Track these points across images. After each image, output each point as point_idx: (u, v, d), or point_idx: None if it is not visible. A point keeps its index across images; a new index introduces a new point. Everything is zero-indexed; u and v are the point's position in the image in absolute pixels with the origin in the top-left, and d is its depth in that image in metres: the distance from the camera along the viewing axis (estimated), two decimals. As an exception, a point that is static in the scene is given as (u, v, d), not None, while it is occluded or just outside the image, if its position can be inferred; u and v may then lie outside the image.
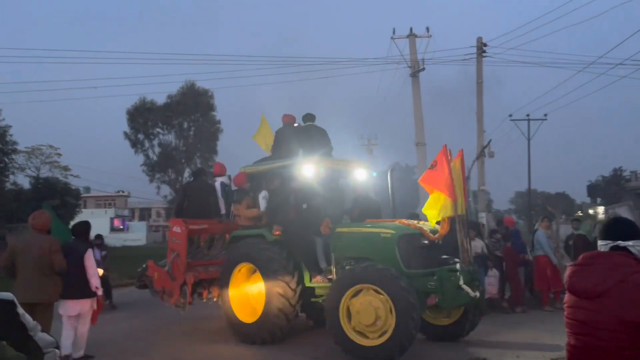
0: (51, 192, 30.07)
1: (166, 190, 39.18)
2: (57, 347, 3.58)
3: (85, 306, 6.84)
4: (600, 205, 43.78)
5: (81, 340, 6.96)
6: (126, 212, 70.07)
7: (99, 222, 41.10)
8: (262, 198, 8.41)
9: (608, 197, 45.93)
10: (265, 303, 7.57)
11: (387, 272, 6.61)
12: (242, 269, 8.19)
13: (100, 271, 10.21)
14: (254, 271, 8.07)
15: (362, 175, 9.03)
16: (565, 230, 15.63)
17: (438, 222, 7.26)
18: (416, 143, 20.07)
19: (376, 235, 7.30)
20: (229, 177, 9.79)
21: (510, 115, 30.97)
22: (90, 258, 6.90)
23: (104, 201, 69.12)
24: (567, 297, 2.45)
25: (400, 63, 20.79)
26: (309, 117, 9.21)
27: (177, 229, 8.65)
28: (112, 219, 60.32)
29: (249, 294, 8.22)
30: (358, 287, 6.72)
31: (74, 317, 6.81)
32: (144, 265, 9.33)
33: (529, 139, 31.71)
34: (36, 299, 6.29)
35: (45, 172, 33.67)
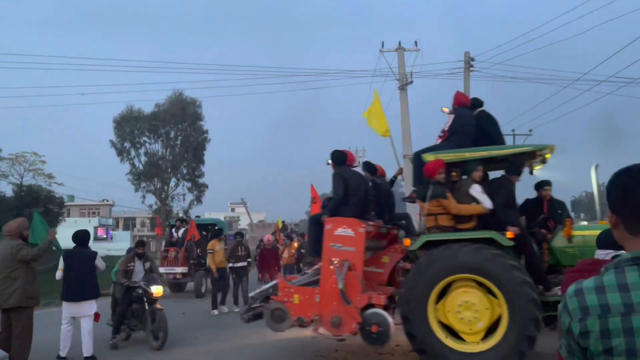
0: (34, 200, 29.66)
1: (151, 199, 38.87)
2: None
3: (91, 307, 7.60)
4: (584, 220, 44.46)
5: (90, 338, 7.55)
6: (110, 221, 69.26)
7: (83, 231, 40.39)
8: (481, 193, 6.83)
9: (591, 213, 46.51)
10: (509, 324, 6.26)
11: None
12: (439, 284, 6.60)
13: (160, 290, 8.61)
14: (447, 287, 6.60)
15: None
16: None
17: None
18: (403, 155, 20.17)
19: None
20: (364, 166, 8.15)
21: (496, 130, 31.33)
22: (100, 261, 7.79)
23: (88, 210, 68.34)
24: None
25: (388, 76, 20.97)
26: (479, 102, 8.10)
27: (346, 230, 6.70)
28: (95, 228, 59.57)
29: (449, 315, 6.53)
30: None
31: (79, 318, 7.57)
32: (264, 287, 7.47)
33: (514, 154, 32.06)
34: (3, 304, 6.44)
35: (28, 180, 33.31)
